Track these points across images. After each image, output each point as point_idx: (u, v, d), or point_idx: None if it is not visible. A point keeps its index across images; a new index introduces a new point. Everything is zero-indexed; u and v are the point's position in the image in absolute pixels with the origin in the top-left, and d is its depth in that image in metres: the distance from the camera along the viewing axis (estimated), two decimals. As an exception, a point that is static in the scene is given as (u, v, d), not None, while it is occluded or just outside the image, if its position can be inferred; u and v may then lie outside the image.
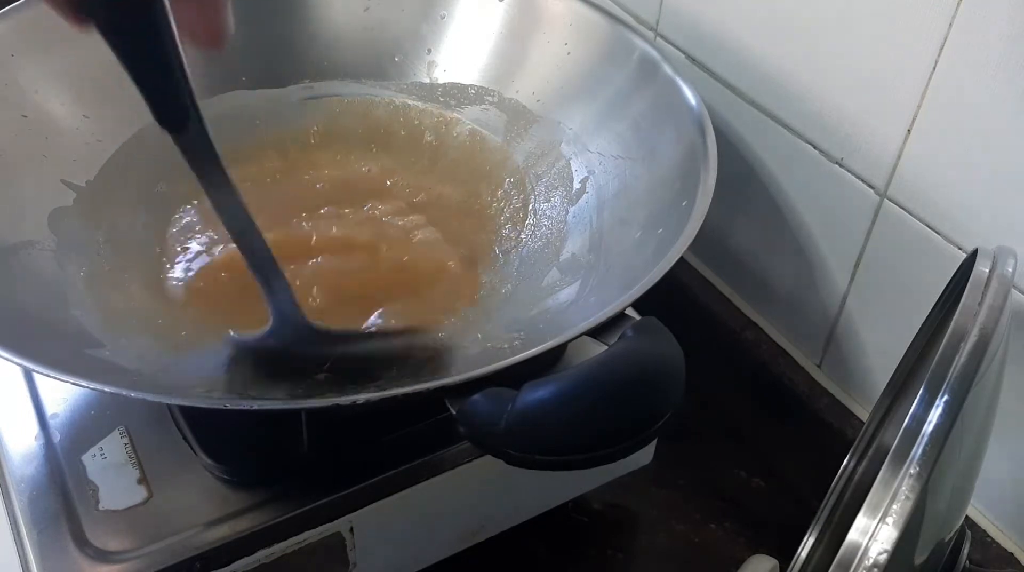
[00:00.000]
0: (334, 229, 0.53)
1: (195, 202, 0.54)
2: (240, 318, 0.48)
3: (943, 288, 0.43)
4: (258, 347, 0.41)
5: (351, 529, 0.43)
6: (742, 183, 0.57)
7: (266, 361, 0.41)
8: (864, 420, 0.51)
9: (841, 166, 0.50)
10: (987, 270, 0.36)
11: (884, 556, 0.28)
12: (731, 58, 0.56)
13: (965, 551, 0.39)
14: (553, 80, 0.58)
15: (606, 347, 0.37)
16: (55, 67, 0.54)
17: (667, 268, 0.41)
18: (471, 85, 0.60)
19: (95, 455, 0.43)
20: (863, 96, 0.48)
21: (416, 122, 0.61)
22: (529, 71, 0.59)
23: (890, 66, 0.46)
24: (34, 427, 0.44)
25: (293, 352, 0.41)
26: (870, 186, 0.49)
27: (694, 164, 0.47)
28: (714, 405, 0.61)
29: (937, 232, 0.46)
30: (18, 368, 0.46)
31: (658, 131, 0.52)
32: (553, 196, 0.55)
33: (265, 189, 0.56)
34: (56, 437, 0.44)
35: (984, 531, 0.47)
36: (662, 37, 0.61)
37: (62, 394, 0.46)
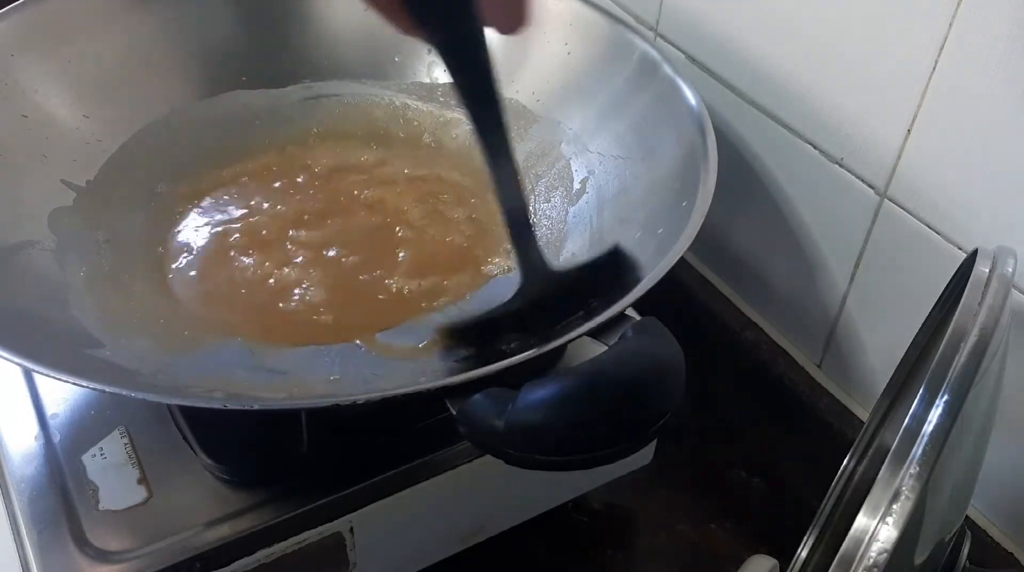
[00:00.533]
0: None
1: (195, 202, 0.54)
2: (239, 319, 0.48)
3: (943, 288, 0.43)
4: (503, 311, 0.42)
5: (351, 529, 0.43)
6: (742, 183, 0.57)
7: (517, 319, 0.41)
8: (864, 420, 0.51)
9: (841, 166, 0.50)
10: (987, 270, 0.36)
11: (884, 556, 0.28)
12: (731, 58, 0.56)
13: (965, 551, 0.39)
14: (553, 80, 0.58)
15: (606, 347, 0.37)
16: (55, 67, 0.54)
17: (667, 268, 0.41)
18: (471, 85, 0.60)
19: (95, 455, 0.43)
20: (863, 96, 0.48)
21: (415, 122, 0.61)
22: (529, 71, 0.59)
23: (890, 66, 0.46)
24: (34, 427, 0.44)
25: (544, 303, 0.41)
26: (870, 186, 0.49)
27: (694, 164, 0.47)
28: (714, 405, 0.61)
29: (937, 232, 0.46)
30: (18, 368, 0.46)
31: (658, 131, 0.52)
32: (553, 196, 0.55)
33: (266, 182, 0.57)
34: (56, 437, 0.44)
35: (984, 531, 0.47)
36: (662, 37, 0.61)
37: (62, 394, 0.46)
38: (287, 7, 0.62)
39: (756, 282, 0.60)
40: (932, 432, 0.30)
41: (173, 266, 0.50)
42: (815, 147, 0.52)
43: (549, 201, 0.55)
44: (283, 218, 0.54)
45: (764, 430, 0.60)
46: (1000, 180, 0.42)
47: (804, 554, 0.45)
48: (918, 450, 0.30)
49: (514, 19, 0.37)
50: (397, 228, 0.53)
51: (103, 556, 0.39)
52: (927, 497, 0.29)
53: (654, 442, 0.51)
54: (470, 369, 0.36)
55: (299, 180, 0.57)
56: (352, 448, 0.44)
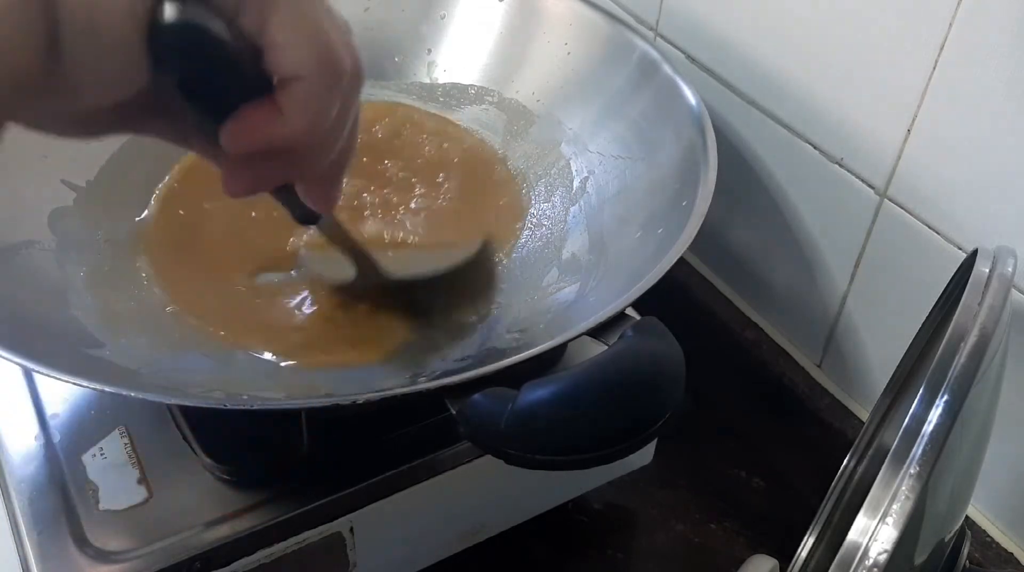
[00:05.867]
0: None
1: (196, 202, 0.54)
2: (237, 322, 0.48)
3: (943, 288, 0.43)
4: None
5: (351, 529, 0.43)
6: (742, 183, 0.57)
7: None
8: (864, 420, 0.51)
9: (841, 166, 0.50)
10: (987, 270, 0.36)
11: (884, 556, 0.28)
12: (731, 58, 0.56)
13: (965, 551, 0.39)
14: (553, 80, 0.58)
15: (606, 347, 0.37)
16: (55, 67, 0.54)
17: (667, 268, 0.41)
18: (471, 85, 0.60)
19: (95, 455, 0.43)
20: (863, 96, 0.48)
21: (416, 122, 0.60)
22: (529, 71, 0.59)
23: (890, 66, 0.46)
24: (34, 427, 0.44)
25: None
26: (870, 186, 0.49)
27: (694, 164, 0.47)
28: (714, 405, 0.61)
29: (937, 232, 0.46)
30: (18, 368, 0.46)
31: (658, 131, 0.52)
32: (553, 196, 0.55)
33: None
34: (56, 437, 0.44)
35: (984, 531, 0.47)
36: (662, 37, 0.61)
37: (62, 394, 0.46)
38: (287, 7, 0.62)
39: (756, 282, 0.60)
40: (932, 432, 0.30)
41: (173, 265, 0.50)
42: (815, 147, 0.52)
43: (549, 201, 0.55)
44: (281, 219, 0.53)
45: (764, 430, 0.60)
46: (1000, 180, 0.42)
47: (804, 554, 0.45)
48: (918, 450, 0.30)
49: (325, 203, 0.38)
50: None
51: (103, 556, 0.39)
52: (927, 497, 0.30)
53: (654, 442, 0.51)
54: (470, 369, 0.36)
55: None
56: (352, 448, 0.44)
